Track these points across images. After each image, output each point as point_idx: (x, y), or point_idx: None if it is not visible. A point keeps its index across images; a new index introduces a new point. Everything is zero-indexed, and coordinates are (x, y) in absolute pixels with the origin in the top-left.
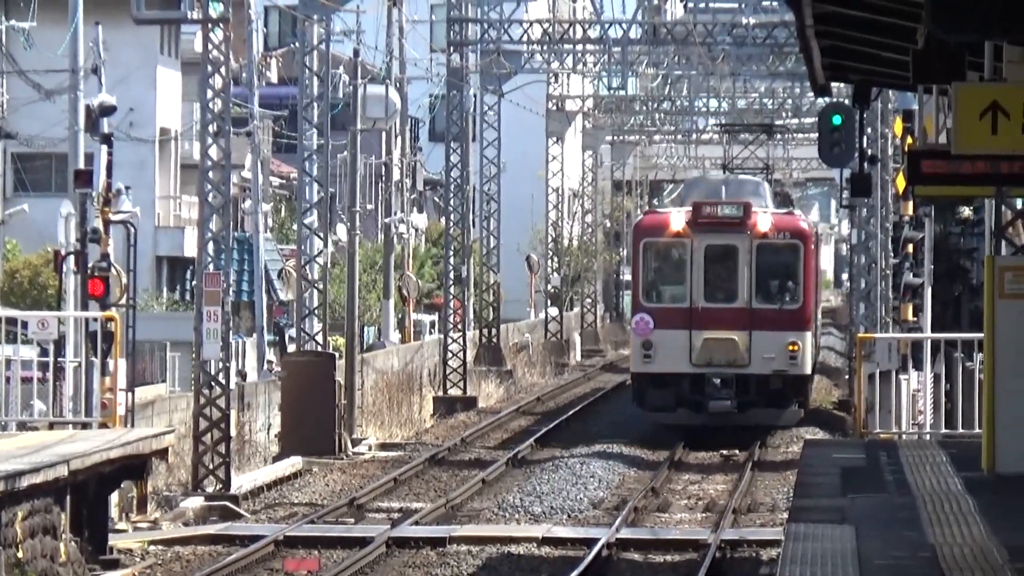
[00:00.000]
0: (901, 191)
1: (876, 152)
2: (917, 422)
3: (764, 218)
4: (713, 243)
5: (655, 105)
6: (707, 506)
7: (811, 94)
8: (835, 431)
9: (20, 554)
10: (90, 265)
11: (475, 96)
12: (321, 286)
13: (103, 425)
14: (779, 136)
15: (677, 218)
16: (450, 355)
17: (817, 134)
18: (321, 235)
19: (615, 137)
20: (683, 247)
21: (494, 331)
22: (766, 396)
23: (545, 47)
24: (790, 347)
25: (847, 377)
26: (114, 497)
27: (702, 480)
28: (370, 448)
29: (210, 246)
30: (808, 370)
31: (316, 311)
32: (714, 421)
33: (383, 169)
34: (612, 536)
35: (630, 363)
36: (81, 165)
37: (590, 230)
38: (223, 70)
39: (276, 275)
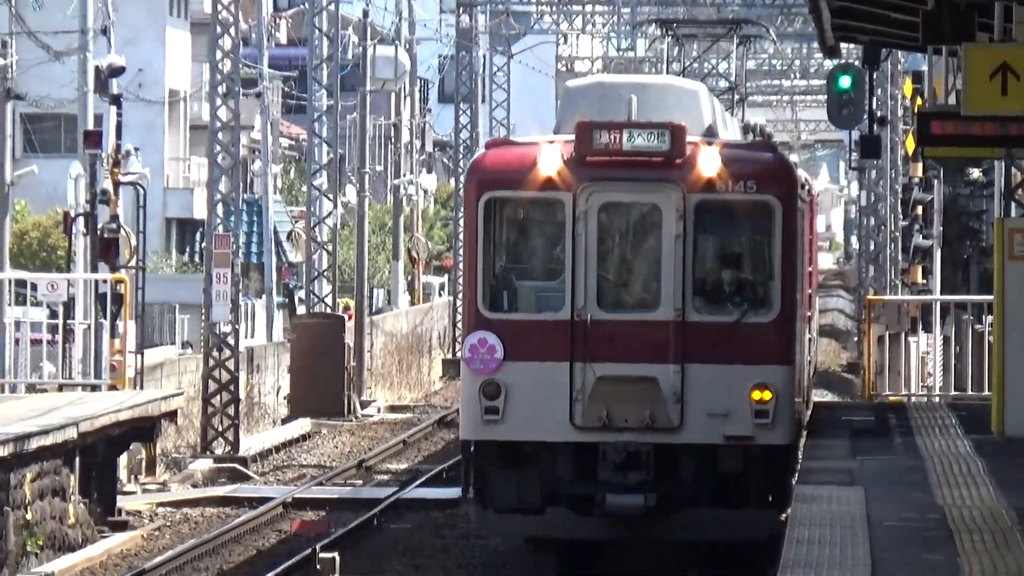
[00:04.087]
0: (910, 153)
1: (886, 113)
2: (926, 384)
3: (709, 156)
4: (614, 200)
5: (664, 67)
6: None
7: (819, 55)
8: (844, 393)
9: (29, 515)
10: (99, 226)
11: (484, 57)
12: (330, 248)
13: (112, 387)
14: (756, 45)
15: (548, 154)
16: (459, 317)
17: (826, 95)
18: (330, 197)
19: None
20: (558, 209)
21: None
22: (711, 486)
23: (554, 8)
24: (756, 395)
25: (856, 340)
26: (123, 459)
27: None
28: (379, 410)
29: (219, 208)
30: (787, 436)
31: (325, 273)
32: (616, 533)
33: (392, 130)
34: None
35: (460, 423)
36: (90, 126)
37: None
38: (232, 31)
39: (285, 237)
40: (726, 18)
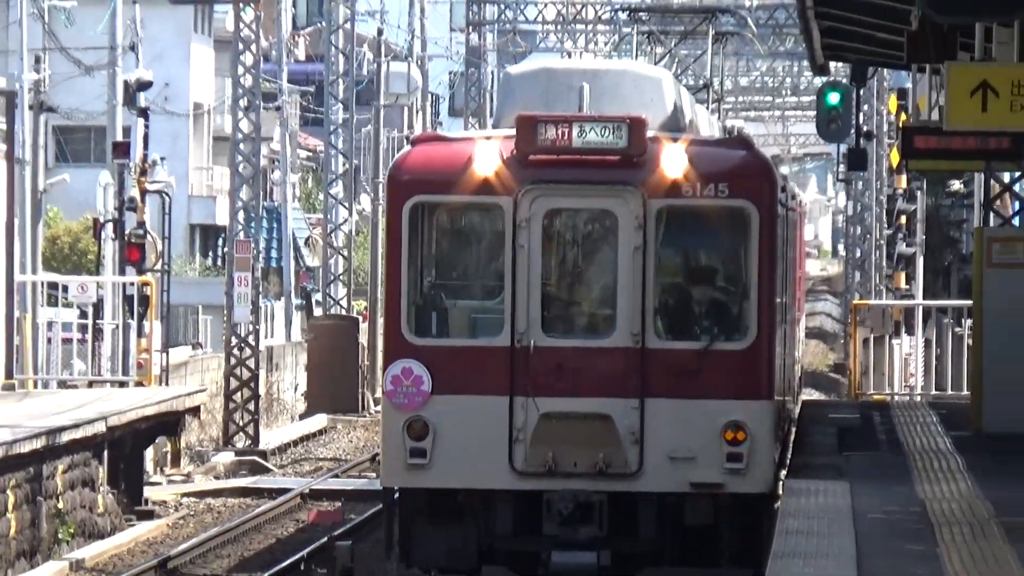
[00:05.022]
0: (895, 165)
1: (872, 128)
2: (908, 384)
3: (674, 154)
4: (562, 206)
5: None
6: None
7: (809, 73)
8: (831, 392)
9: (60, 504)
10: (127, 232)
11: (492, 73)
12: (345, 253)
13: (139, 384)
14: (731, 41)
15: (484, 152)
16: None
17: (815, 111)
18: (346, 205)
19: None
20: (496, 216)
21: None
22: (675, 541)
23: (558, 27)
24: (728, 435)
25: (842, 342)
26: (149, 452)
27: None
28: None
29: (241, 215)
30: (763, 483)
31: (341, 277)
32: None
33: (405, 142)
34: None
35: (381, 469)
36: (119, 137)
37: None
38: (253, 47)
39: (303, 242)
40: (699, 7)
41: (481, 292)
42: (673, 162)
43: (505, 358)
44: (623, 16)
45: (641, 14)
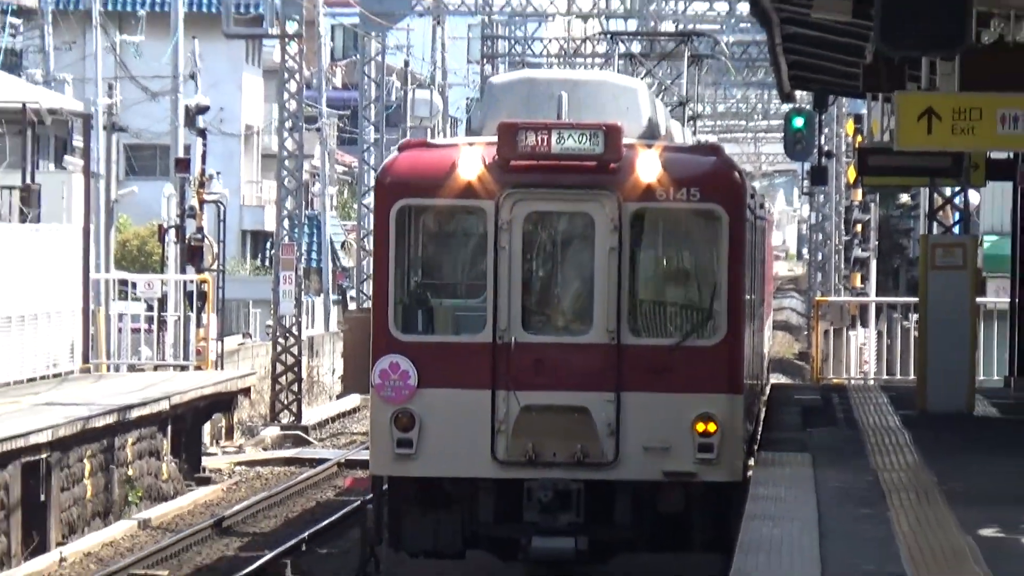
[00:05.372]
0: (852, 180)
1: (832, 148)
2: (863, 370)
3: (648, 160)
4: (541, 209)
5: None
6: None
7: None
8: (796, 377)
9: (130, 472)
10: (187, 236)
11: None
12: None
13: (198, 368)
14: (710, 72)
15: (467, 158)
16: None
17: (783, 133)
18: None
19: None
20: (478, 218)
21: None
22: (649, 527)
23: (561, 59)
24: (699, 427)
25: (806, 333)
26: (206, 427)
27: None
28: None
29: (286, 222)
30: (733, 472)
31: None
32: None
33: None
34: None
35: (369, 458)
36: (180, 154)
37: None
38: (297, 77)
39: (339, 246)
40: (676, 31)
41: (464, 291)
42: (647, 167)
43: (487, 354)
44: (606, 38)
45: (623, 37)
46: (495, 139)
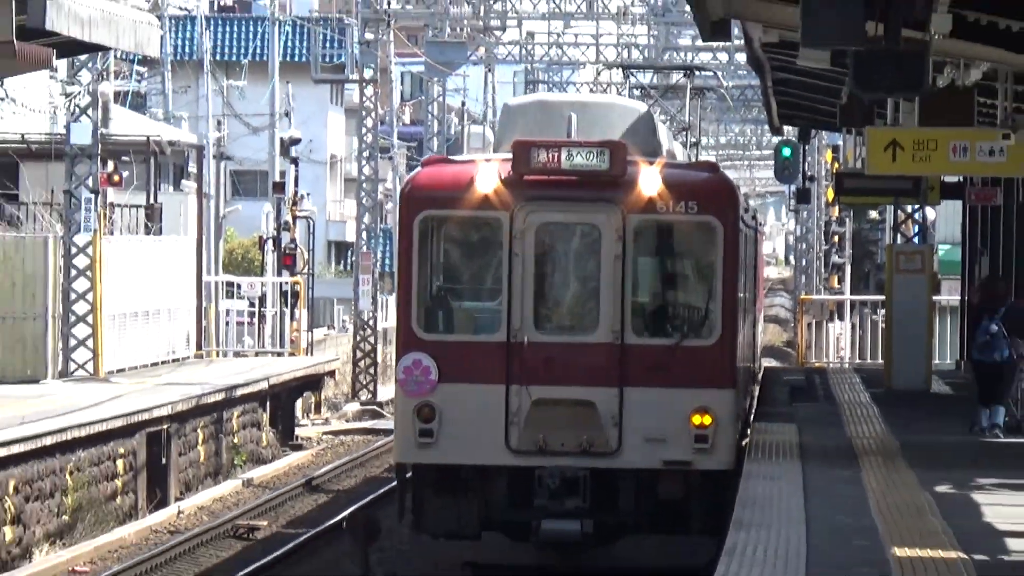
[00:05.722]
0: (830, 200)
1: (814, 173)
2: (840, 355)
3: (650, 175)
4: (552, 220)
5: None
6: None
7: (769, 133)
8: (784, 361)
9: (236, 440)
10: (283, 246)
11: None
12: None
13: (291, 354)
14: (714, 109)
15: (485, 173)
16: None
17: (773, 161)
18: None
19: None
20: (495, 228)
21: None
22: (649, 512)
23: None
24: (696, 419)
25: (792, 325)
26: (299, 403)
27: None
28: None
29: (364, 234)
30: (727, 461)
31: None
32: (552, 560)
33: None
34: None
35: (394, 447)
36: (277, 178)
37: None
38: (373, 115)
39: None
40: (681, 64)
41: (482, 294)
42: (649, 182)
43: (502, 352)
44: (621, 71)
45: (634, 71)
46: (510, 155)
